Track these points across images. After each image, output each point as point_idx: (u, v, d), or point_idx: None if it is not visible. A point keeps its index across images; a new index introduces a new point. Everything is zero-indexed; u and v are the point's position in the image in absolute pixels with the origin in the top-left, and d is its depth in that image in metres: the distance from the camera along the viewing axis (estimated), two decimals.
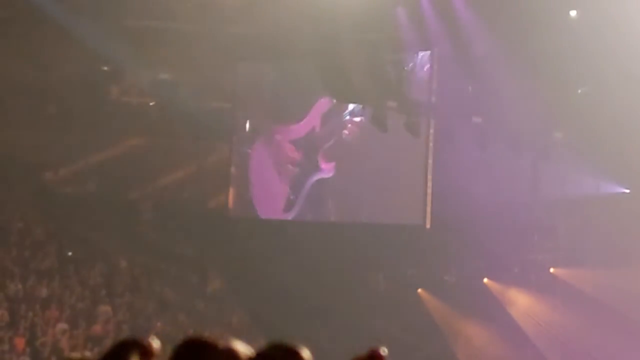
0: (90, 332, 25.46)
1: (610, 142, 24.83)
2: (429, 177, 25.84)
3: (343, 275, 28.11)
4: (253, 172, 28.66)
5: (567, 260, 26.95)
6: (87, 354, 24.29)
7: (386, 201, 26.64)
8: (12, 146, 28.59)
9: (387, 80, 25.90)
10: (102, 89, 28.98)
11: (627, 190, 26.33)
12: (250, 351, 3.36)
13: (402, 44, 25.32)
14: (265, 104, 28.63)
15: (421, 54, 25.75)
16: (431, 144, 25.83)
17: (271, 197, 28.47)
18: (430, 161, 25.86)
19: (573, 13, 24.12)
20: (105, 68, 28.50)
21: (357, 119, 27.07)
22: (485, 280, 27.59)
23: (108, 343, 22.41)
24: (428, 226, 26.02)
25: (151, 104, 29.87)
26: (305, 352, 3.40)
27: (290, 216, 28.13)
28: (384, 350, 3.47)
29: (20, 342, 24.29)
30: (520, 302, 27.37)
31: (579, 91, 25.29)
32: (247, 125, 28.74)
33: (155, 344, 3.43)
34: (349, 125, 27.22)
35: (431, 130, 25.87)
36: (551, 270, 27.02)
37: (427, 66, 25.64)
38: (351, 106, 27.22)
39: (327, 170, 27.57)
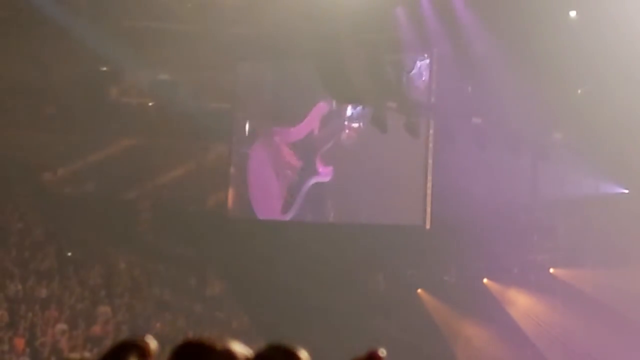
0: (90, 333, 25.47)
1: (610, 143, 24.82)
2: (429, 177, 25.84)
3: (342, 276, 28.11)
4: (251, 173, 28.65)
5: (567, 260, 26.93)
6: (87, 354, 24.30)
7: (386, 202, 26.63)
8: (12, 146, 28.60)
9: (387, 81, 25.89)
10: (101, 89, 28.99)
11: (627, 191, 26.32)
12: (249, 352, 3.36)
13: (401, 44, 25.31)
14: (265, 105, 28.63)
15: (421, 54, 25.75)
16: (431, 145, 25.83)
17: (269, 198, 28.47)
18: (430, 162, 25.86)
19: (573, 13, 24.11)
20: (105, 68, 28.50)
21: (356, 125, 27.09)
22: (485, 280, 27.58)
23: (107, 344, 22.42)
24: (428, 227, 26.02)
25: (150, 104, 29.87)
26: (304, 354, 3.39)
27: (288, 217, 28.13)
28: (382, 352, 3.46)
29: (19, 343, 24.30)
30: (520, 303, 27.36)
31: (579, 91, 25.28)
32: (247, 126, 28.73)
33: (153, 344, 3.43)
34: (347, 129, 27.22)
35: (431, 131, 25.87)
36: (551, 270, 27.01)
37: (426, 66, 25.63)
38: (350, 110, 27.22)
39: (324, 174, 27.58)
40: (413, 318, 27.58)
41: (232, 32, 26.15)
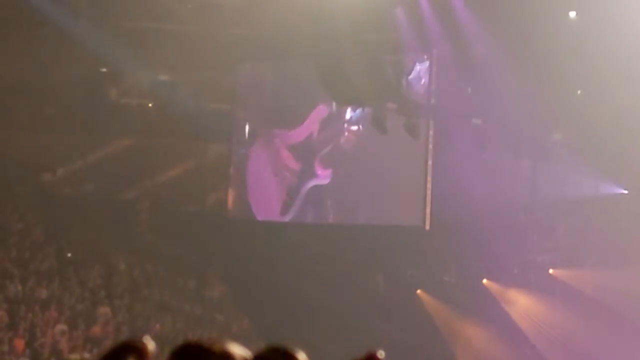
0: (90, 334, 25.46)
1: (610, 143, 24.83)
2: (429, 178, 25.84)
3: (342, 277, 28.12)
4: (250, 175, 28.65)
5: (567, 261, 26.95)
6: (86, 355, 24.29)
7: (385, 203, 26.64)
8: (12, 147, 28.60)
9: (387, 82, 25.90)
10: (101, 90, 29.00)
11: (626, 191, 26.33)
12: (248, 354, 3.36)
13: (401, 45, 25.32)
14: (265, 107, 28.63)
15: (420, 55, 25.76)
16: (431, 145, 25.84)
17: (268, 200, 28.48)
18: (429, 162, 25.86)
19: (572, 14, 24.12)
20: (105, 69, 28.51)
21: (355, 127, 27.10)
22: (485, 281, 27.59)
23: (107, 344, 22.41)
24: (427, 227, 26.03)
25: (150, 104, 29.87)
26: (302, 356, 3.40)
27: (287, 219, 28.14)
28: (381, 354, 3.46)
29: (19, 343, 24.29)
30: (520, 303, 27.37)
31: (579, 92, 25.29)
32: (247, 128, 28.73)
33: (151, 345, 3.44)
34: (347, 132, 27.23)
35: (431, 132, 25.88)
36: (550, 271, 27.02)
37: (425, 70, 25.63)
38: (350, 113, 27.23)
39: (323, 176, 27.59)
40: (413, 318, 27.59)
41: (232, 32, 26.14)
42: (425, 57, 25.70)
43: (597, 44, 22.80)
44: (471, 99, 25.70)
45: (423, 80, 25.75)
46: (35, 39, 26.16)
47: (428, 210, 25.85)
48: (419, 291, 28.45)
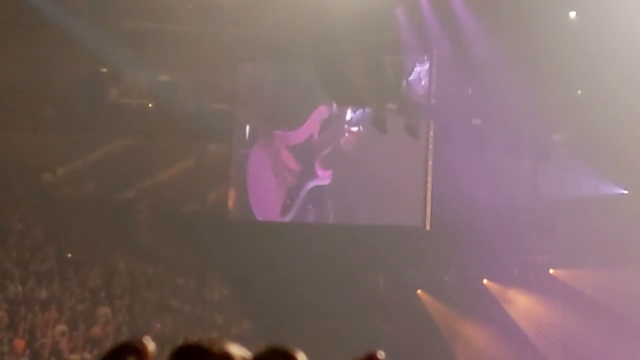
0: (90, 334, 25.46)
1: (610, 144, 24.84)
2: (429, 178, 25.85)
3: (342, 277, 28.11)
4: (251, 175, 28.66)
5: (567, 261, 26.94)
6: (87, 355, 24.31)
7: (386, 203, 26.64)
8: (12, 148, 28.60)
9: (387, 82, 25.90)
10: (101, 90, 28.97)
11: (626, 192, 26.33)
12: (247, 355, 3.36)
13: (401, 45, 25.32)
14: (265, 107, 28.63)
15: (421, 56, 25.76)
16: (431, 146, 25.84)
17: (268, 200, 28.49)
18: (430, 163, 25.86)
19: (572, 14, 24.12)
20: (104, 69, 28.50)
21: (355, 129, 27.10)
22: (485, 281, 27.58)
23: (107, 345, 22.42)
24: (428, 227, 26.03)
25: (150, 105, 29.87)
26: (302, 357, 3.40)
27: (287, 219, 28.14)
28: (381, 354, 3.46)
29: (19, 344, 24.29)
30: (520, 303, 27.37)
31: (579, 92, 25.30)
32: (247, 128, 28.73)
33: (151, 346, 3.44)
34: (347, 133, 27.23)
35: (431, 132, 25.88)
36: (551, 271, 27.02)
37: (425, 72, 25.63)
38: (350, 114, 27.23)
39: (323, 177, 27.60)
40: (413, 319, 27.59)
41: (232, 32, 26.14)
42: (425, 57, 25.70)
43: (597, 44, 22.80)
44: (471, 99, 25.70)
45: (422, 85, 25.76)
46: (35, 39, 26.17)
47: (428, 210, 25.86)
48: (419, 291, 28.45)
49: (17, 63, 26.90)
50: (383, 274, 29.39)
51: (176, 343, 3.57)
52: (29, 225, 28.05)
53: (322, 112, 27.57)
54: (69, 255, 27.85)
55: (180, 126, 28.91)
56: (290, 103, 28.01)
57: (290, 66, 27.85)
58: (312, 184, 27.75)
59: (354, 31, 24.40)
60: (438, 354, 27.21)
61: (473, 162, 25.50)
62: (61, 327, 25.13)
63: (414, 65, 25.90)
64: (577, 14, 24.03)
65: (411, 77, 25.93)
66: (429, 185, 25.85)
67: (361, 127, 26.99)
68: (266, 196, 28.48)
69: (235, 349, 3.34)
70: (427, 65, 25.65)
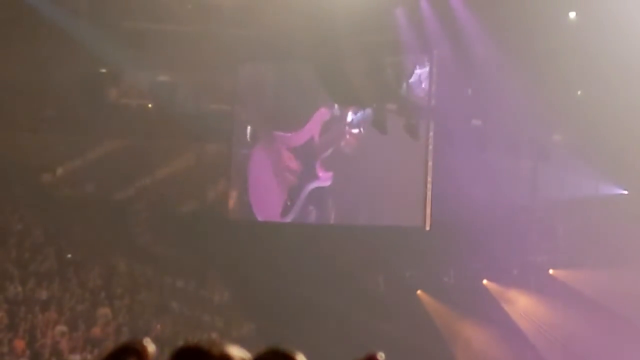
0: (90, 335, 25.47)
1: (610, 144, 24.84)
2: (429, 179, 25.85)
3: (342, 277, 28.11)
4: (251, 175, 28.66)
5: (567, 261, 26.94)
6: (87, 356, 24.32)
7: (386, 203, 26.65)
8: (12, 148, 28.59)
9: (387, 83, 25.90)
10: (101, 90, 28.94)
11: (626, 192, 26.33)
12: (247, 356, 3.36)
13: (401, 46, 25.32)
14: (266, 108, 28.61)
15: (421, 57, 25.76)
16: (431, 146, 25.84)
17: (269, 200, 28.49)
18: (430, 163, 25.87)
19: (572, 14, 24.12)
20: (104, 69, 28.48)
21: (355, 130, 27.10)
22: (485, 281, 27.59)
23: (107, 345, 22.43)
24: (428, 228, 26.03)
25: (150, 105, 29.86)
26: (302, 358, 3.39)
27: (287, 220, 28.14)
28: (381, 356, 3.46)
29: (19, 344, 24.30)
30: (520, 304, 27.37)
31: (579, 92, 25.30)
32: (248, 128, 28.73)
33: (151, 347, 3.44)
34: (348, 135, 27.24)
35: (431, 133, 25.88)
36: (550, 271, 27.02)
37: (426, 74, 25.63)
38: (351, 116, 27.23)
39: (324, 178, 27.60)
40: (413, 319, 27.58)
41: (232, 32, 26.14)
42: (426, 58, 25.69)
43: (597, 44, 22.81)
44: (471, 99, 25.71)
45: (423, 87, 25.75)
46: (35, 39, 26.17)
47: (428, 210, 25.86)
48: (419, 292, 28.45)
49: (17, 63, 26.89)
50: (383, 274, 29.38)
51: (176, 344, 3.56)
52: (29, 226, 28.05)
53: (323, 114, 27.56)
54: (69, 255, 27.85)
55: (180, 126, 28.90)
56: (291, 104, 28.00)
57: (291, 66, 27.84)
58: (313, 185, 27.75)
59: (354, 31, 24.40)
60: (438, 354, 27.21)
61: (473, 163, 25.50)
62: (61, 328, 25.14)
63: (414, 68, 25.88)
64: (577, 14, 24.03)
65: (411, 78, 25.92)
66: (429, 186, 25.85)
67: (362, 129, 26.98)
68: (267, 196, 28.47)
69: (235, 351, 3.33)
70: (426, 72, 25.63)
